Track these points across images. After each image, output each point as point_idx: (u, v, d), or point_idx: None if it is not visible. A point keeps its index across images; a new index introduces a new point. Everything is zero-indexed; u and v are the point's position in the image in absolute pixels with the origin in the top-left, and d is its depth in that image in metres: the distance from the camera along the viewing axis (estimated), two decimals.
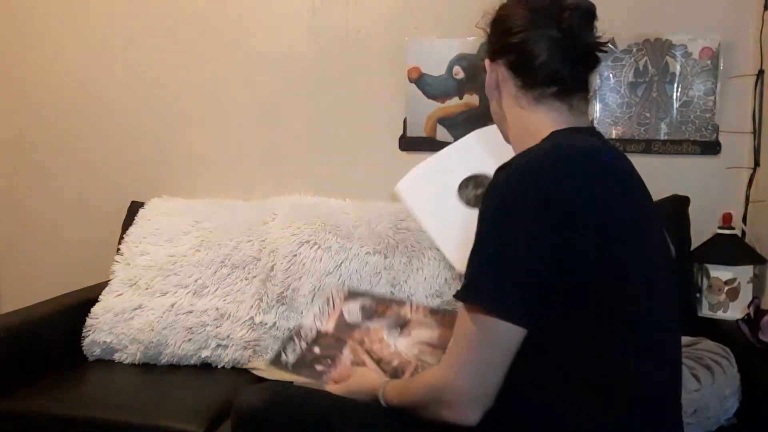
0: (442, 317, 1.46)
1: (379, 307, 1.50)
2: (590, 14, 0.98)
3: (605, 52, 1.01)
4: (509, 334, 0.85)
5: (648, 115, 1.91)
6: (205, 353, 1.78)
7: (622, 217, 0.90)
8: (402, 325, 1.43)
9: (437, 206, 1.37)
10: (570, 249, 0.84)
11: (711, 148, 1.89)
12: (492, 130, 1.18)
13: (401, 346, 1.36)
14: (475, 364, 0.87)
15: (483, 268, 0.87)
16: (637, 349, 0.89)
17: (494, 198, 0.89)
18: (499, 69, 1.03)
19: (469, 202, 1.35)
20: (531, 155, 0.92)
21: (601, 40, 0.99)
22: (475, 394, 0.87)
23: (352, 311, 1.47)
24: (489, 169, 1.07)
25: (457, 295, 0.88)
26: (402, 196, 1.36)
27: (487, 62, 1.05)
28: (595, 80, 1.11)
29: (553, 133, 0.97)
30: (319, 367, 1.31)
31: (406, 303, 1.53)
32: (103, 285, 1.92)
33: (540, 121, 0.99)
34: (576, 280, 0.85)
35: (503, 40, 1.01)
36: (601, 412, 0.87)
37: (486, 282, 0.86)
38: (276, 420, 1.01)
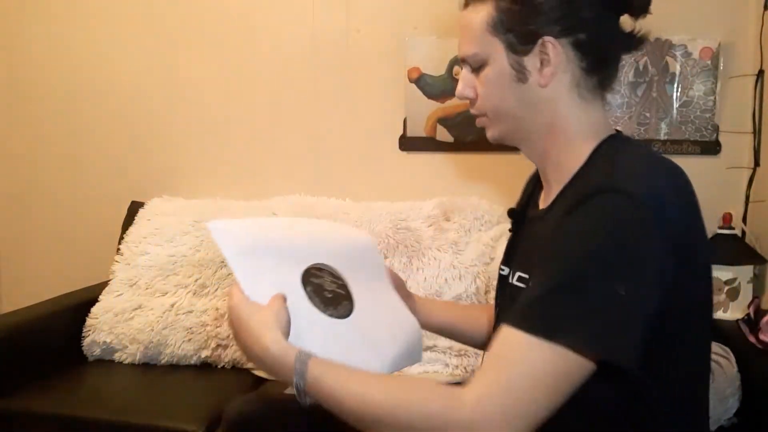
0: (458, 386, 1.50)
1: None
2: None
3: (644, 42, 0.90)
4: (583, 373, 0.72)
5: (648, 115, 1.91)
6: (205, 353, 1.79)
7: (706, 243, 0.86)
8: None
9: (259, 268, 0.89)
10: (682, 290, 0.77)
11: (711, 148, 1.89)
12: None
13: None
14: (537, 413, 0.70)
15: (592, 302, 0.71)
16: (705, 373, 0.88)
17: (612, 226, 0.73)
18: (562, 48, 0.84)
19: (315, 300, 0.91)
20: (643, 177, 0.78)
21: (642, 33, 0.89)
22: None
23: None
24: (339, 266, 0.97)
25: (539, 328, 0.71)
26: (213, 237, 0.87)
27: (548, 40, 0.83)
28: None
29: (612, 139, 0.87)
30: None
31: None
32: (103, 285, 1.92)
33: (596, 118, 0.88)
34: (680, 316, 0.80)
35: (575, 15, 0.83)
36: None
37: (592, 316, 0.71)
38: (264, 427, 1.01)
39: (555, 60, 0.84)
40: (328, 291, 0.93)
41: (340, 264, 0.98)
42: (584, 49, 0.84)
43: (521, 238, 1.02)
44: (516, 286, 0.93)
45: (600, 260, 0.72)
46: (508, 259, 1.04)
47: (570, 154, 0.88)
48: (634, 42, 0.88)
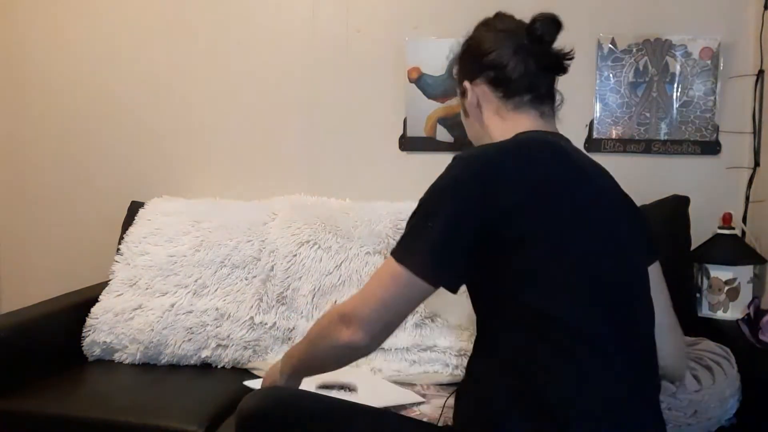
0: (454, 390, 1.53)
1: None
2: (556, 22, 1.09)
3: (572, 58, 1.12)
4: (419, 290, 1.00)
5: (648, 115, 1.91)
6: (205, 353, 1.78)
7: (554, 200, 0.98)
8: (422, 396, 1.52)
9: None
10: (496, 230, 0.95)
11: (711, 148, 1.89)
12: None
13: (426, 410, 1.45)
14: (380, 301, 1.00)
15: (417, 234, 1.01)
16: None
17: (442, 178, 1.03)
18: (478, 87, 1.14)
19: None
20: (482, 147, 1.08)
21: (565, 51, 1.12)
22: (371, 322, 1.01)
23: None
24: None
25: (393, 252, 1.01)
26: None
27: (466, 85, 1.16)
28: (558, 93, 1.18)
29: (517, 134, 1.08)
30: None
31: (417, 384, 1.62)
32: (103, 285, 1.92)
33: (517, 126, 1.10)
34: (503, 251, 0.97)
35: (480, 61, 1.13)
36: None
37: (416, 245, 1.00)
38: (278, 422, 1.02)
39: (471, 96, 1.16)
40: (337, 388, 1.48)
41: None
42: (495, 84, 1.12)
43: None
44: None
45: (422, 204, 1.02)
46: None
47: None
48: (556, 62, 1.11)
